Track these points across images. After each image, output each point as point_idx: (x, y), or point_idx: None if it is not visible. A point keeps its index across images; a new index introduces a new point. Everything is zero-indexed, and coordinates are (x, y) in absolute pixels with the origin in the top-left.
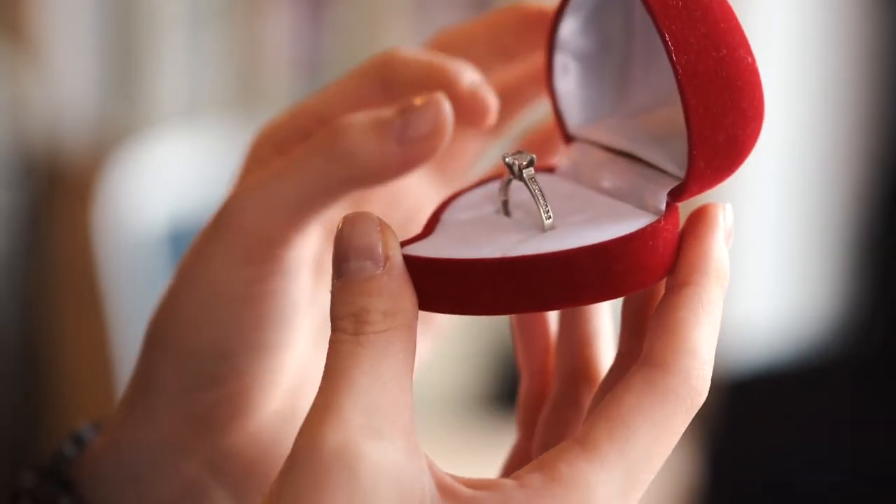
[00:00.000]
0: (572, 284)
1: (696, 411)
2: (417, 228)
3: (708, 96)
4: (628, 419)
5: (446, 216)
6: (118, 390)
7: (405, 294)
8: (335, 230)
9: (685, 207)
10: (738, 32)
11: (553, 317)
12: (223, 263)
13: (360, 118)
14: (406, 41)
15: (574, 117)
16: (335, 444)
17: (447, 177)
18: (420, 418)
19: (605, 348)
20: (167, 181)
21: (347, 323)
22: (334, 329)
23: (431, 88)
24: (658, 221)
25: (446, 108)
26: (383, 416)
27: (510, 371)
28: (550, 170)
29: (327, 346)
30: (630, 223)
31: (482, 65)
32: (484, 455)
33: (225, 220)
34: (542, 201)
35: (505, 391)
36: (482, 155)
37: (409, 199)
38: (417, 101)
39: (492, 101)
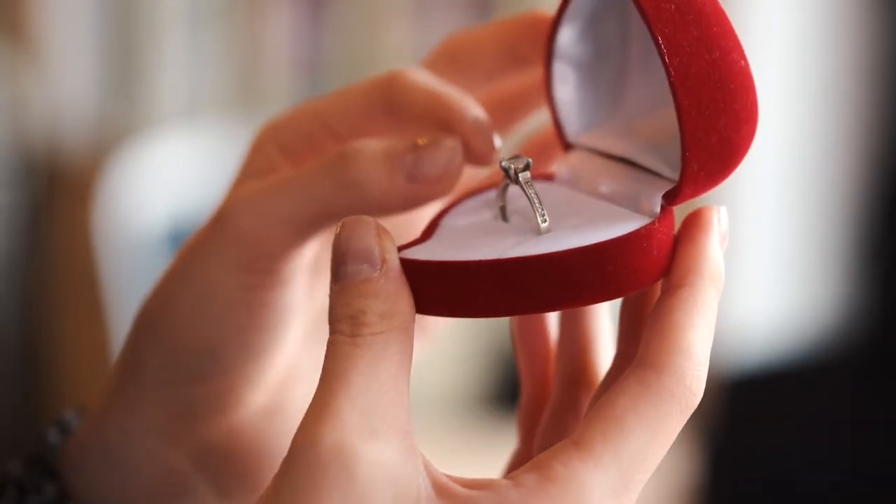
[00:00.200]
0: (566, 285)
1: (691, 412)
2: (417, 234)
3: (701, 98)
4: (622, 420)
5: (445, 222)
6: None
7: (402, 296)
8: (335, 232)
9: (683, 211)
10: (731, 36)
11: (553, 323)
12: (218, 267)
13: (373, 147)
14: (406, 41)
15: (572, 125)
16: (332, 444)
17: None
18: (420, 418)
19: (605, 353)
20: (167, 181)
21: (345, 325)
22: (332, 331)
23: (435, 120)
24: (652, 223)
25: (460, 153)
26: (380, 417)
27: (510, 371)
28: (549, 177)
29: (319, 342)
30: (625, 225)
31: (490, 72)
32: (484, 455)
33: (224, 224)
34: (537, 205)
35: (504, 391)
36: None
37: None
38: (432, 140)
39: (494, 143)
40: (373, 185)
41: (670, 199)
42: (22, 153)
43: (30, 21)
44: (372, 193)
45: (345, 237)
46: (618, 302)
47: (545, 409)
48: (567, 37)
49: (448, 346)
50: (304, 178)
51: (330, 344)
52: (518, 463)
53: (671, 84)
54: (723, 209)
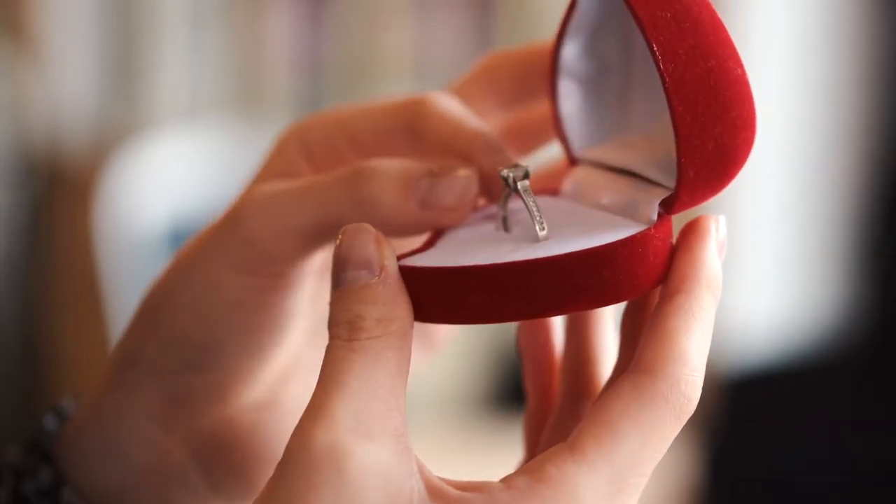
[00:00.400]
0: (561, 290)
1: (687, 417)
2: (419, 244)
3: (696, 105)
4: (616, 423)
5: (448, 233)
6: None
7: (400, 302)
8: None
9: (685, 221)
10: (727, 45)
11: (559, 336)
12: (225, 266)
13: (389, 168)
14: (406, 41)
15: (578, 140)
16: (325, 445)
17: None
18: (420, 418)
19: (608, 365)
20: (167, 181)
21: (342, 330)
22: (330, 336)
23: (455, 152)
24: (648, 229)
25: (475, 185)
26: (374, 419)
27: (510, 372)
28: (555, 192)
29: (321, 340)
30: (621, 232)
31: (526, 93)
32: (484, 455)
33: (235, 224)
34: (535, 212)
35: (505, 392)
36: None
37: None
38: (447, 169)
39: None
40: (385, 205)
41: (668, 206)
42: (22, 153)
43: (30, 21)
44: (383, 214)
45: (345, 245)
46: (620, 313)
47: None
48: (571, 52)
49: (449, 346)
50: (319, 188)
51: (328, 348)
52: None
53: (666, 90)
54: (721, 218)
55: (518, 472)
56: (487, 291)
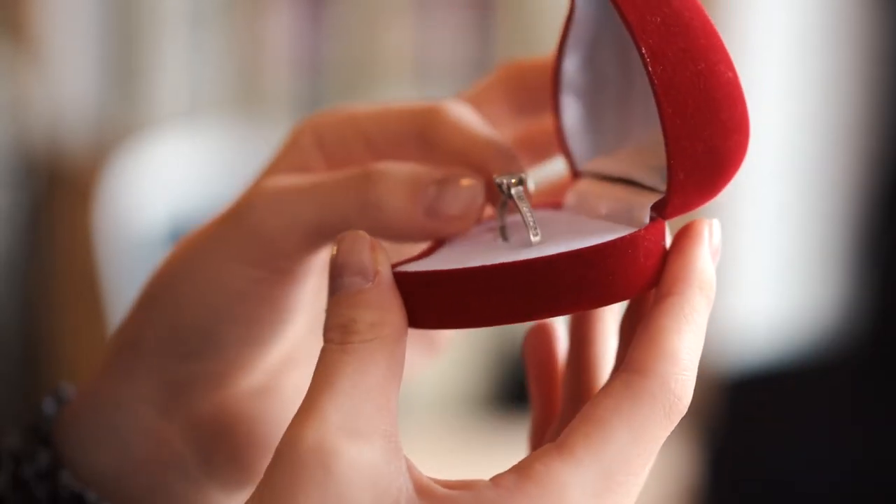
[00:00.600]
0: (550, 292)
1: (678, 417)
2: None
3: (685, 107)
4: (604, 421)
5: (447, 243)
6: None
7: (393, 306)
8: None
9: (682, 225)
10: (719, 49)
11: (563, 345)
12: (229, 258)
13: (398, 173)
14: (406, 41)
15: (581, 153)
16: (312, 443)
17: None
18: (420, 418)
19: (608, 371)
20: (167, 181)
21: (335, 333)
22: (325, 340)
23: (467, 162)
24: (637, 231)
25: (481, 195)
26: (364, 419)
27: (510, 372)
28: (557, 206)
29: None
30: (611, 235)
31: (543, 103)
32: (484, 455)
33: (242, 217)
34: (529, 218)
35: (505, 392)
36: None
37: None
38: (455, 178)
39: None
40: (391, 210)
41: (660, 209)
42: (22, 153)
43: (30, 21)
44: (389, 218)
45: (341, 252)
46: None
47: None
48: (572, 65)
49: (449, 347)
50: (327, 187)
51: (321, 352)
52: None
53: (654, 92)
54: (716, 222)
55: (507, 471)
56: (477, 294)
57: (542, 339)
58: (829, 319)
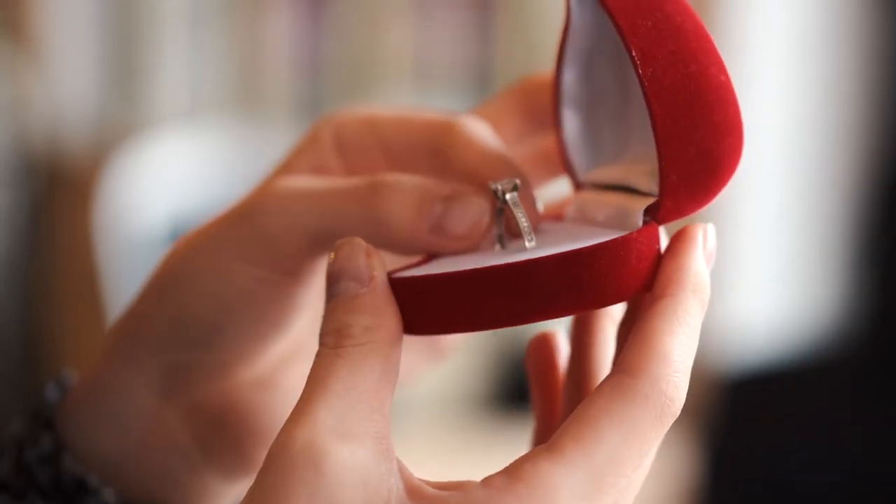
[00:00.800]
0: (542, 294)
1: (670, 418)
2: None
3: (676, 109)
4: (595, 422)
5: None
6: None
7: (387, 311)
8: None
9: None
10: (710, 52)
11: (565, 356)
12: (235, 256)
13: (406, 186)
14: (406, 41)
15: (581, 165)
16: (303, 443)
17: None
18: (421, 418)
19: None
20: (167, 181)
21: (330, 338)
22: (320, 344)
23: (479, 180)
24: (629, 234)
25: (487, 216)
26: (355, 421)
27: (510, 372)
28: (559, 218)
29: None
30: (604, 238)
31: (537, 125)
32: (484, 455)
33: (251, 217)
34: (524, 223)
35: (505, 392)
36: None
37: None
38: (462, 196)
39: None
40: (396, 225)
41: (653, 213)
42: (22, 153)
43: (30, 21)
44: (394, 232)
45: (338, 258)
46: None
47: None
48: (570, 77)
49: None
50: (336, 194)
51: (316, 356)
52: None
53: (644, 94)
54: (710, 226)
55: (498, 472)
56: (470, 297)
57: (545, 348)
58: (829, 319)
